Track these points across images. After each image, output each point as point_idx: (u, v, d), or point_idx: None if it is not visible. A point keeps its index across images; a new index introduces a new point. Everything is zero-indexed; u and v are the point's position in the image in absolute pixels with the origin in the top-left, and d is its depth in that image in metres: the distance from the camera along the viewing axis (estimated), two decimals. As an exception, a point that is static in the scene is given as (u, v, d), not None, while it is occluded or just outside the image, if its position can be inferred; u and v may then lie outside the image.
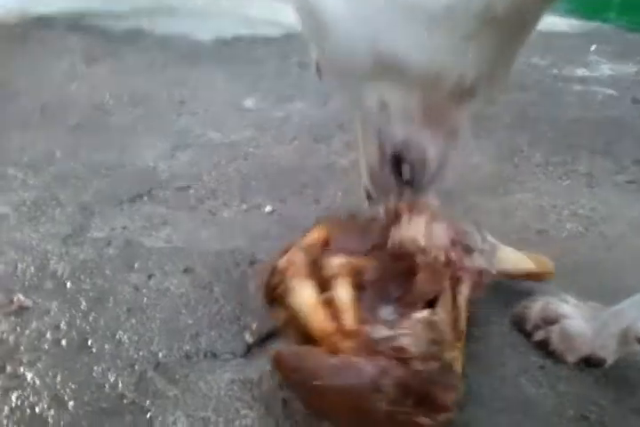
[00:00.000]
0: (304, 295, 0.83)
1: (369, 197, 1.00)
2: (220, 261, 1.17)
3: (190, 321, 1.03)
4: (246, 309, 1.06)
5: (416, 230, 0.89)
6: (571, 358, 0.97)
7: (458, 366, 0.83)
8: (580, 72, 2.43)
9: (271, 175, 1.53)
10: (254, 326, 1.02)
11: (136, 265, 1.16)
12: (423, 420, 0.75)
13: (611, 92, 2.24)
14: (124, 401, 0.88)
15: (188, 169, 1.54)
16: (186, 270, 1.15)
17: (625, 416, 0.90)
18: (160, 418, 0.85)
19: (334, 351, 0.78)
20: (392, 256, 0.88)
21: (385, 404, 0.74)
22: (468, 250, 0.91)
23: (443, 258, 0.87)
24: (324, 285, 0.85)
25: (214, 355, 0.97)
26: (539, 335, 1.01)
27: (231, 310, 1.05)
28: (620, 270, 1.21)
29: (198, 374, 0.93)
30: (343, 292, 0.83)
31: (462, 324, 0.87)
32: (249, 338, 1.00)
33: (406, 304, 0.84)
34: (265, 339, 1.00)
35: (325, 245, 0.91)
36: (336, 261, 0.86)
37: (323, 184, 1.50)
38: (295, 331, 0.85)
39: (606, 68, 2.51)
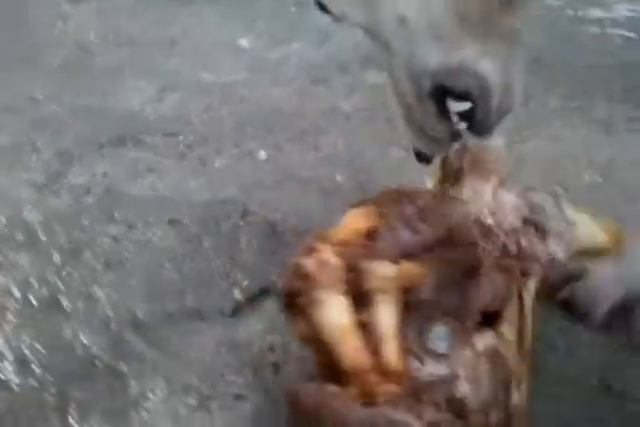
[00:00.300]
0: (335, 314, 0.61)
1: (422, 159, 0.85)
2: (210, 212, 1.08)
3: (175, 277, 0.94)
4: (237, 264, 0.97)
5: (481, 203, 0.69)
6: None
7: (524, 402, 0.64)
8: (596, 13, 2.28)
9: (267, 120, 1.41)
10: (245, 282, 0.93)
11: (116, 215, 1.06)
12: None
13: (629, 34, 2.10)
14: (98, 365, 0.80)
15: (177, 113, 1.42)
16: (171, 222, 1.05)
17: (650, 385, 0.82)
18: (136, 384, 0.77)
19: (368, 395, 0.58)
20: (447, 245, 0.67)
21: None
22: (543, 232, 0.70)
23: (514, 247, 0.68)
24: (361, 297, 0.62)
25: (200, 314, 0.89)
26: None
27: (220, 266, 0.96)
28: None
29: (181, 336, 0.85)
30: (387, 316, 0.61)
31: (529, 336, 0.68)
32: (239, 296, 0.91)
33: (461, 320, 0.63)
34: (257, 297, 0.92)
35: (369, 239, 0.67)
36: (381, 271, 0.62)
37: (323, 130, 1.39)
38: (317, 353, 0.64)
39: (624, 9, 2.35)
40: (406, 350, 0.60)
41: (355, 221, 0.70)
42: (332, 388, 0.59)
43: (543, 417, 0.76)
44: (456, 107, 0.79)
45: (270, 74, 1.64)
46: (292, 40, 1.88)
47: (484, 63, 0.76)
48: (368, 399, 0.58)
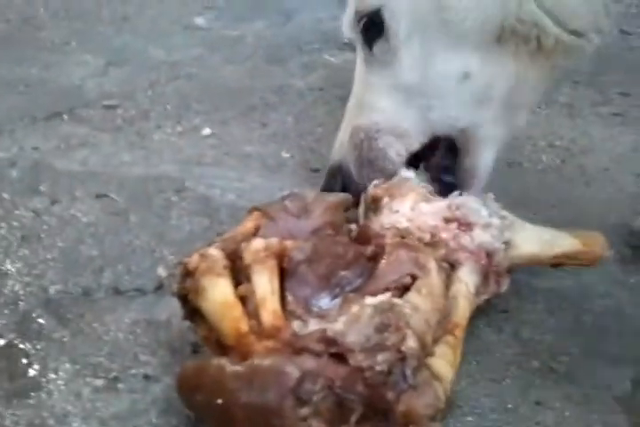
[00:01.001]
0: (217, 294, 0.64)
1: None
2: (142, 187, 1.01)
3: (95, 253, 0.88)
4: (165, 239, 0.90)
5: (399, 213, 0.76)
6: None
7: (444, 367, 0.63)
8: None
9: (215, 96, 1.35)
10: (172, 258, 0.87)
11: (41, 189, 1.00)
12: None
13: (599, 23, 2.06)
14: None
15: (121, 87, 1.35)
16: (98, 196, 0.98)
17: (596, 368, 0.77)
18: (39, 364, 0.71)
19: (248, 355, 0.58)
20: (356, 240, 0.74)
21: (317, 423, 0.54)
22: (467, 225, 0.75)
23: (428, 238, 0.73)
24: (242, 276, 0.67)
25: (118, 291, 0.82)
26: None
27: (146, 241, 0.90)
28: (598, 207, 1.07)
29: (96, 314, 0.78)
30: (262, 280, 0.65)
31: (460, 315, 0.69)
32: (163, 272, 0.85)
33: (368, 294, 0.64)
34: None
35: (255, 235, 0.73)
36: (255, 245, 0.68)
37: (272, 107, 1.33)
38: (216, 348, 0.65)
39: None
40: (289, 313, 0.62)
41: (249, 222, 0.76)
42: (210, 358, 0.61)
43: (484, 400, 0.71)
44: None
45: (225, 52, 1.58)
46: (253, 19, 1.81)
47: None
48: (243, 359, 0.58)
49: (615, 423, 0.71)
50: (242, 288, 0.65)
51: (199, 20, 1.78)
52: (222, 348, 0.63)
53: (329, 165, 0.92)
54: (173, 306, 0.79)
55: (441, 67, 0.83)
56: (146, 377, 0.71)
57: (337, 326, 0.57)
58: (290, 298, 0.64)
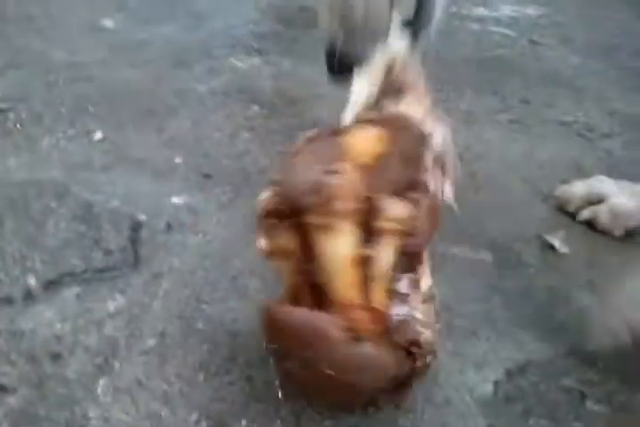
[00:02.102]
0: (342, 245, 0.61)
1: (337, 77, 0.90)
2: (21, 192, 0.99)
3: (-38, 261, 0.85)
4: (37, 248, 0.88)
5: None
6: (618, 233, 1.05)
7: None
8: (479, 12, 2.30)
9: (114, 100, 1.33)
10: (42, 268, 0.85)
11: None
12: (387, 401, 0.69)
13: (508, 32, 2.12)
14: None
15: (16, 89, 1.32)
16: (-26, 202, 0.95)
17: (461, 371, 0.79)
18: None
19: (351, 329, 0.60)
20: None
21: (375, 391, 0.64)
22: (445, 174, 0.76)
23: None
24: (368, 232, 0.62)
25: (-17, 301, 0.80)
26: (584, 215, 1.09)
27: (17, 249, 0.87)
28: (485, 212, 1.10)
29: (-45, 325, 0.75)
30: (386, 258, 0.62)
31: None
32: (33, 282, 0.83)
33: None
34: (53, 284, 0.83)
35: (381, 169, 0.67)
36: (393, 213, 0.62)
37: (172, 111, 1.32)
38: (296, 273, 0.64)
39: (508, 10, 2.39)
40: (387, 294, 0.62)
41: (367, 144, 0.70)
42: (319, 314, 0.60)
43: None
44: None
45: (130, 55, 1.56)
46: (162, 23, 1.80)
47: None
48: (351, 333, 0.59)
49: (473, 425, 0.73)
50: (369, 252, 0.61)
51: (107, 22, 1.76)
52: (312, 284, 0.62)
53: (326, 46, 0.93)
54: (40, 316, 0.78)
55: None
56: (1, 388, 0.69)
57: (425, 337, 0.62)
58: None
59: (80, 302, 0.81)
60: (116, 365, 0.73)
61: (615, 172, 1.23)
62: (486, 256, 1.00)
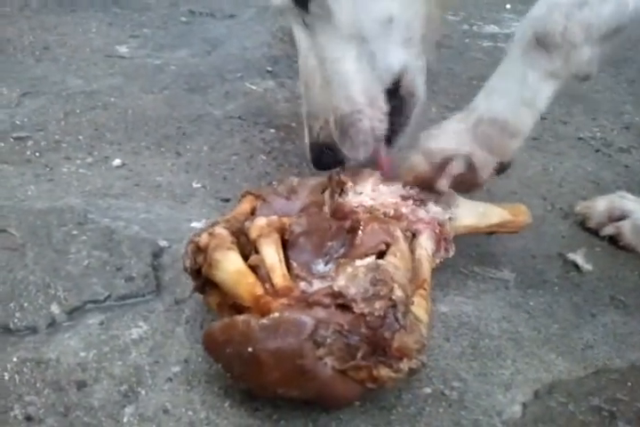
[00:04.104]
0: (228, 264, 0.75)
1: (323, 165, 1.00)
2: (43, 220, 0.99)
3: (-14, 290, 0.85)
4: (60, 276, 0.89)
5: (363, 195, 0.89)
6: None
7: (421, 313, 0.75)
8: (491, 29, 2.31)
9: (130, 126, 1.34)
10: (65, 295, 0.85)
11: (-62, 225, 0.97)
12: (383, 372, 0.67)
13: (520, 48, 2.12)
14: None
15: (34, 118, 1.34)
16: (-3, 231, 0.96)
17: (489, 393, 0.78)
18: None
19: (266, 313, 0.69)
20: (334, 216, 0.86)
21: (331, 360, 0.66)
22: (423, 202, 0.90)
23: (392, 212, 0.86)
24: (251, 251, 0.78)
25: (8, 330, 0.80)
26: (607, 231, 1.09)
27: (40, 278, 0.88)
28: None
29: (-20, 354, 0.76)
30: (269, 250, 0.77)
31: (426, 273, 0.82)
32: (57, 310, 0.83)
33: (351, 259, 0.76)
34: (76, 311, 0.84)
35: (252, 215, 0.87)
36: (259, 222, 0.80)
37: (188, 137, 1.33)
38: (230, 311, 0.76)
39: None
40: (295, 278, 0.74)
41: (243, 204, 0.90)
42: (235, 316, 0.70)
43: None
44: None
45: (145, 81, 1.58)
46: (177, 48, 1.82)
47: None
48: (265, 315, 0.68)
49: (502, 448, 0.72)
50: (252, 259, 0.76)
51: (122, 49, 1.78)
52: (238, 311, 0.73)
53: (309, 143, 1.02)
54: (64, 344, 0.78)
55: (368, 11, 0.92)
56: (28, 418, 0.69)
57: (340, 282, 0.69)
58: (294, 264, 0.76)
59: (104, 330, 0.81)
60: (142, 392, 0.73)
61: (635, 186, 1.23)
62: (509, 275, 1.00)
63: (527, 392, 0.79)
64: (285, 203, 0.90)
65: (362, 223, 0.80)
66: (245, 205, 0.89)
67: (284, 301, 0.70)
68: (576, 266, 1.03)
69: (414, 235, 0.87)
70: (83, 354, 0.78)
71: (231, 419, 0.71)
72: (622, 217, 1.09)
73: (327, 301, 0.68)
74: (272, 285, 0.72)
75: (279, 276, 0.73)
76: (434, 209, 0.90)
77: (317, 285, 0.72)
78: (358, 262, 0.73)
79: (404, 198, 0.90)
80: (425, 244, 0.86)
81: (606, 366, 0.84)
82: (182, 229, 1.02)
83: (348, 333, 0.66)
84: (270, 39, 1.92)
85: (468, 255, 1.02)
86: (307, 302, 0.68)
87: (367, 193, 0.90)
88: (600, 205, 1.11)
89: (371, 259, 0.75)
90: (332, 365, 0.66)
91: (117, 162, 1.19)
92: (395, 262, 0.75)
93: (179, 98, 1.50)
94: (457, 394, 0.78)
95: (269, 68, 1.72)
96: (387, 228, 0.81)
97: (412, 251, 0.84)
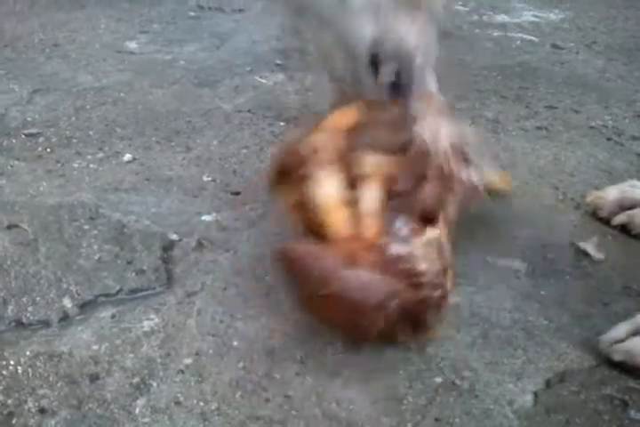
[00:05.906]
0: (329, 190, 0.73)
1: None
2: (54, 216, 1.00)
3: (-1, 285, 0.86)
4: (72, 270, 0.89)
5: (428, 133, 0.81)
6: None
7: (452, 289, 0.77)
8: (501, 18, 2.30)
9: (140, 121, 1.35)
10: (77, 289, 0.86)
11: (-49, 221, 0.98)
12: (405, 337, 0.75)
13: (530, 38, 2.11)
14: None
15: (45, 115, 1.35)
16: (9, 227, 0.97)
17: (500, 383, 0.78)
18: None
19: (349, 258, 0.69)
20: (413, 160, 0.78)
21: (382, 322, 0.69)
22: (467, 161, 0.82)
23: (447, 167, 0.79)
24: (349, 182, 0.75)
25: (21, 324, 0.81)
26: (618, 220, 1.07)
27: (52, 272, 0.89)
28: (515, 219, 1.09)
29: (-7, 349, 0.77)
30: (372, 196, 0.73)
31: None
32: (69, 304, 0.84)
33: (415, 217, 0.75)
34: (88, 305, 0.84)
35: (353, 133, 0.79)
36: (371, 160, 0.75)
37: (198, 131, 1.33)
38: (303, 222, 0.76)
39: (529, 15, 2.38)
40: (382, 232, 0.71)
41: (345, 117, 0.81)
42: (323, 248, 0.70)
43: (384, 419, 0.72)
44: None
45: (155, 76, 1.58)
46: (186, 43, 1.83)
47: (410, 32, 0.86)
48: (348, 262, 0.68)
49: (514, 437, 0.72)
50: (352, 194, 0.73)
51: (132, 45, 1.79)
52: (313, 230, 0.73)
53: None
54: (77, 337, 0.79)
55: None
56: (41, 411, 0.70)
57: (422, 265, 0.69)
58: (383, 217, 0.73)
59: (115, 323, 0.82)
60: (154, 384, 0.74)
61: (647, 175, 1.22)
62: (520, 265, 0.99)
63: (538, 382, 0.79)
64: (389, 135, 0.80)
65: (429, 177, 0.77)
66: (347, 120, 0.81)
67: (369, 256, 0.69)
68: (587, 255, 1.02)
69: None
70: (95, 347, 0.78)
71: (242, 410, 0.71)
72: (634, 206, 1.07)
73: (406, 275, 0.69)
74: (362, 232, 0.71)
75: (373, 226, 0.72)
76: (472, 174, 0.83)
77: (399, 248, 0.71)
78: (429, 234, 0.73)
79: (454, 149, 0.81)
80: (453, 206, 0.81)
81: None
82: (193, 223, 1.02)
83: (408, 310, 0.70)
84: (279, 32, 1.92)
85: (479, 245, 1.02)
86: (388, 268, 0.69)
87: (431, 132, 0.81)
88: (611, 194, 1.10)
89: (436, 232, 0.75)
90: (381, 325, 0.69)
91: (128, 157, 1.20)
92: (445, 237, 0.76)
93: (188, 92, 1.51)
94: (468, 384, 0.78)
95: (279, 62, 1.72)
96: (442, 188, 0.78)
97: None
